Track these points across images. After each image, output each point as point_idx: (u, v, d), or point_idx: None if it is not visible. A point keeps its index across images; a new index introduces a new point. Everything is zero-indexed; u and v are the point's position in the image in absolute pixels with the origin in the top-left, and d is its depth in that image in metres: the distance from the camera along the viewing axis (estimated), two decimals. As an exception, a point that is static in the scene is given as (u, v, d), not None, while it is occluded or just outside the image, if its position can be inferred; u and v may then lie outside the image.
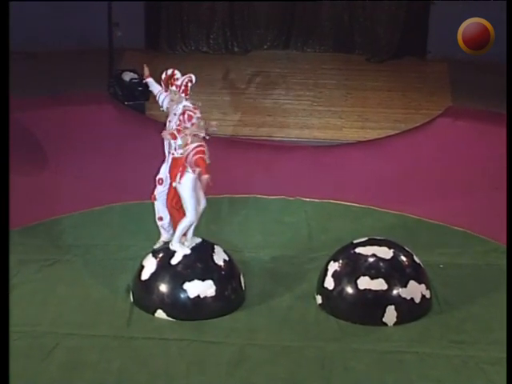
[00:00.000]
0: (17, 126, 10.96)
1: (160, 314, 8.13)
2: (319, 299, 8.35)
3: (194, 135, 7.78)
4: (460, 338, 7.92)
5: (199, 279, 8.10)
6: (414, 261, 8.33)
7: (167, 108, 8.40)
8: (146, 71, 8.72)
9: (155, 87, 8.59)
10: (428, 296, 8.26)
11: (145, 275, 8.23)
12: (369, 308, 8.10)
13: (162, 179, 8.39)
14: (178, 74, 8.22)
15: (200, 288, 8.09)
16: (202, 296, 8.09)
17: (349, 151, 11.20)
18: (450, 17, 14.21)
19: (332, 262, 8.34)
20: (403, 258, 8.27)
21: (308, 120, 12.61)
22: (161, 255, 8.29)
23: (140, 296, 8.25)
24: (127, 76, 12.54)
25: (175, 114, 8.19)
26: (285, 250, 9.24)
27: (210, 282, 8.12)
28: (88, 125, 11.49)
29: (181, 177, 7.93)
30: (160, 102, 8.53)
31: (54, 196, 10.04)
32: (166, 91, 8.39)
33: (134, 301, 8.28)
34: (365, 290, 8.07)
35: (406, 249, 8.39)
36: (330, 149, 11.62)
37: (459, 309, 8.32)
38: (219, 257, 8.31)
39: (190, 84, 8.19)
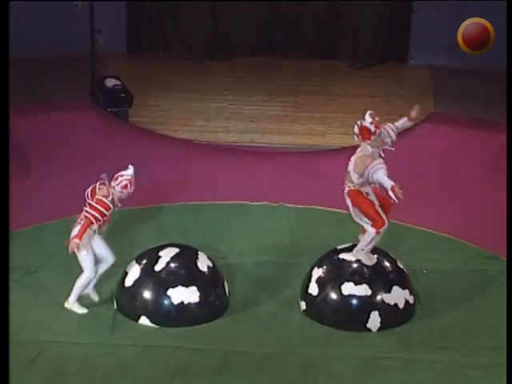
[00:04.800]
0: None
1: (144, 320, 8.09)
2: (303, 305, 8.34)
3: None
4: (443, 343, 7.94)
5: (183, 285, 8.08)
6: (398, 266, 8.34)
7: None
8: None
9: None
10: (412, 301, 8.27)
11: (128, 282, 8.20)
12: (353, 314, 8.10)
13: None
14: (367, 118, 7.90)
15: (184, 294, 8.06)
16: (185, 302, 8.06)
17: (332, 157, 11.22)
18: (431, 24, 14.31)
19: (316, 268, 8.34)
20: (387, 264, 8.28)
21: (291, 126, 12.63)
22: (144, 262, 8.25)
23: (124, 303, 8.21)
24: (110, 82, 12.51)
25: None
26: (268, 256, 9.24)
27: (193, 289, 8.09)
28: (71, 132, 11.48)
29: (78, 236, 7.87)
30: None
31: (36, 203, 10.00)
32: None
33: (118, 308, 8.25)
34: (349, 295, 8.07)
35: (390, 254, 8.40)
36: (313, 155, 11.64)
37: (442, 314, 8.34)
38: (203, 263, 8.28)
39: (357, 129, 7.94)
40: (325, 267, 8.29)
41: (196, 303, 8.10)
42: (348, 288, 8.07)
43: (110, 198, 7.93)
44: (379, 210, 8.03)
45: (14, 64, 13.25)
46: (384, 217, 8.04)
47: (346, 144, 11.32)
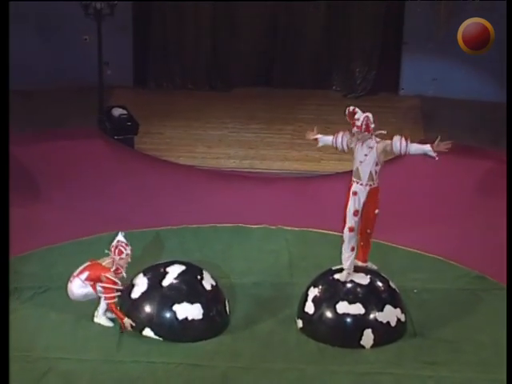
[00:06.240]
0: (11, 160, 10.93)
1: (148, 332, 8.06)
2: (300, 323, 8.32)
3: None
4: (433, 359, 7.91)
5: (188, 302, 8.07)
6: (390, 286, 8.32)
7: (348, 148, 8.05)
8: (312, 134, 8.30)
9: (327, 139, 8.21)
10: (403, 320, 8.25)
11: (135, 294, 8.18)
12: (347, 331, 8.08)
13: (357, 211, 8.03)
14: (358, 112, 7.88)
15: (188, 310, 8.05)
16: (189, 318, 8.05)
17: (327, 182, 11.25)
18: (421, 56, 14.39)
19: (312, 288, 8.32)
20: (379, 284, 8.27)
21: (288, 153, 12.66)
22: (152, 276, 8.24)
23: (129, 314, 8.14)
24: (117, 112, 12.56)
25: (371, 148, 7.89)
26: (267, 276, 9.22)
27: (197, 305, 8.09)
28: (79, 158, 11.49)
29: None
30: (339, 145, 8.10)
31: (46, 227, 9.99)
32: (353, 125, 7.94)
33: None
34: (343, 314, 8.06)
35: (382, 275, 8.39)
36: (309, 180, 11.66)
37: (432, 331, 8.31)
38: (207, 281, 8.28)
39: (369, 123, 7.86)
40: (320, 287, 8.28)
41: (199, 320, 8.08)
42: (342, 307, 8.06)
43: (113, 268, 8.12)
44: (348, 215, 8.00)
45: (25, 95, 13.40)
46: (348, 223, 8.00)
47: (340, 170, 11.35)
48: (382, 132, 8.00)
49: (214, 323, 8.21)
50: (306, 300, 8.29)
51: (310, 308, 8.22)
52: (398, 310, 8.20)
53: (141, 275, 8.31)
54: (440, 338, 8.21)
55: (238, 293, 8.86)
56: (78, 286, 8.21)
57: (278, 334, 8.28)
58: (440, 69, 14.36)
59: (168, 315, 8.05)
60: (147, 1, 14.56)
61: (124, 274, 8.22)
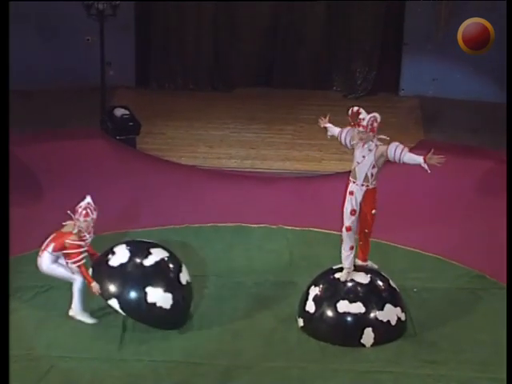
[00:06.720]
0: (13, 160, 10.94)
1: (114, 303, 8.02)
2: (301, 322, 8.32)
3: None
4: (433, 358, 7.91)
5: (162, 288, 8.04)
6: (390, 285, 8.33)
7: (352, 145, 8.06)
8: (325, 122, 8.36)
9: (334, 130, 8.27)
10: (403, 318, 8.25)
11: (114, 262, 8.11)
12: (348, 330, 8.08)
13: (355, 210, 8.03)
14: (363, 112, 7.91)
15: (159, 297, 8.02)
16: (158, 305, 8.02)
17: (328, 182, 11.24)
18: (421, 56, 14.39)
19: (313, 287, 8.33)
20: (380, 283, 8.27)
21: (289, 153, 12.66)
22: (134, 250, 8.17)
23: (101, 279, 8.05)
24: (119, 112, 12.55)
25: (370, 150, 7.89)
26: (268, 275, 9.23)
27: (169, 295, 8.05)
28: (81, 158, 11.48)
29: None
30: (343, 140, 8.15)
31: (48, 226, 9.96)
32: (352, 126, 8.01)
33: (94, 277, 8.06)
34: (344, 313, 8.06)
35: (383, 274, 8.39)
36: (310, 180, 11.65)
37: (432, 330, 8.32)
38: (184, 276, 8.26)
39: (375, 123, 7.87)
40: (321, 286, 8.28)
41: (166, 309, 8.04)
42: (343, 306, 8.06)
43: (75, 231, 8.00)
44: (345, 214, 8.01)
45: (26, 95, 13.41)
46: (345, 222, 8.02)
47: (341, 169, 11.35)
48: (384, 137, 7.98)
49: (176, 317, 8.19)
50: (306, 299, 8.29)
51: (310, 307, 8.22)
52: (398, 308, 8.20)
53: (123, 245, 8.24)
54: (439, 337, 8.21)
55: (239, 292, 8.87)
56: (49, 261, 8.11)
57: (278, 332, 8.28)
58: (440, 69, 14.36)
59: (139, 294, 7.99)
60: (149, 1, 14.57)
61: (89, 236, 8.05)
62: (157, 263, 8.14)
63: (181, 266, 8.31)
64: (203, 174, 11.81)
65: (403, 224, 10.11)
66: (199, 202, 10.76)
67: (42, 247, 8.21)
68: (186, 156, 12.48)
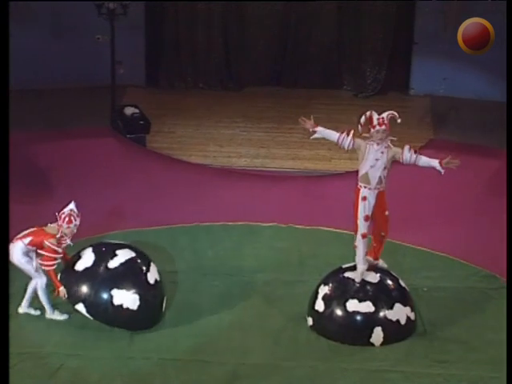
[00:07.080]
0: (23, 159, 10.95)
1: (80, 307, 8.00)
2: (310, 321, 8.29)
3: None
4: (443, 357, 7.88)
5: (128, 290, 8.00)
6: (400, 284, 8.29)
7: (351, 148, 8.08)
8: (311, 124, 8.38)
9: (331, 133, 8.25)
10: (413, 318, 8.21)
11: (79, 266, 8.07)
12: (357, 329, 8.05)
13: (368, 216, 7.96)
14: (375, 115, 7.95)
15: (125, 299, 7.99)
16: (124, 306, 7.99)
17: (337, 181, 11.21)
18: (431, 56, 14.32)
19: (322, 286, 8.30)
20: (389, 282, 8.23)
21: (299, 152, 12.62)
22: (99, 253, 8.12)
23: (68, 284, 8.02)
24: (129, 110, 12.56)
25: (382, 153, 7.90)
26: (277, 274, 9.20)
27: (136, 297, 8.02)
28: (91, 157, 11.49)
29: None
30: (345, 144, 8.10)
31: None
32: (373, 127, 7.96)
33: (63, 283, 8.02)
34: (353, 312, 8.03)
35: (392, 273, 8.36)
36: (320, 179, 11.63)
37: (442, 330, 8.28)
38: (152, 275, 8.20)
39: (393, 119, 7.91)
40: (330, 285, 8.25)
41: (133, 310, 8.00)
42: (352, 305, 8.03)
43: (58, 236, 7.96)
44: (359, 221, 7.94)
45: (37, 94, 13.42)
46: (360, 229, 7.95)
47: (351, 168, 11.31)
48: (392, 138, 7.96)
49: (146, 317, 8.14)
50: (316, 298, 8.26)
51: (320, 306, 8.19)
52: (408, 308, 8.16)
53: (89, 249, 8.19)
54: (449, 336, 8.18)
55: (249, 290, 8.85)
56: (20, 252, 8.02)
57: (287, 331, 8.25)
58: (450, 68, 14.29)
59: (105, 297, 7.96)
60: (160, 0, 14.56)
61: (70, 243, 8.03)
62: (122, 265, 8.07)
63: (149, 266, 8.23)
64: (213, 172, 11.79)
65: (413, 223, 10.07)
66: (209, 201, 10.74)
67: (18, 236, 8.09)
68: (195, 155, 12.46)
